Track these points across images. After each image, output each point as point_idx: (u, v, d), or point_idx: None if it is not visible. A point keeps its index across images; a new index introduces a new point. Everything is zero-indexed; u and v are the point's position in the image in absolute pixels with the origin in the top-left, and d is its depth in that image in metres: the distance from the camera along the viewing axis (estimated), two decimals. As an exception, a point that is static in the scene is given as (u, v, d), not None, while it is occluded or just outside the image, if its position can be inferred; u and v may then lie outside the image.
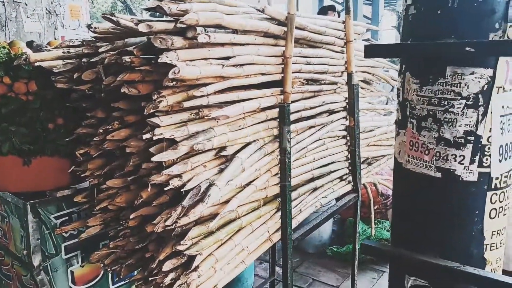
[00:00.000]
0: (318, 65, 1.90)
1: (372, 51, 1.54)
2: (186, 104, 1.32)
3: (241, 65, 1.45)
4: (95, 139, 1.48)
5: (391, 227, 1.76)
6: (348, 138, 2.19)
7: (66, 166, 1.70)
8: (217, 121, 1.42)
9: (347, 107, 2.17)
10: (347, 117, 2.18)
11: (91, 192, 1.64)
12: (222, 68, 1.35)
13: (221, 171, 1.44)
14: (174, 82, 1.24)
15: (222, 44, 1.39)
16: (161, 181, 1.33)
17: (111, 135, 1.42)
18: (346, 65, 2.11)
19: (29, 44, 1.83)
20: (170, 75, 1.19)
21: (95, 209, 1.57)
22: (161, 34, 1.24)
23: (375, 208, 3.07)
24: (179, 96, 1.32)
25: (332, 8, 4.57)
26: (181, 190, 1.31)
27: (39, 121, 1.60)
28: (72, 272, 1.83)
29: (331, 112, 2.10)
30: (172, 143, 1.34)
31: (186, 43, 1.26)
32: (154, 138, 1.27)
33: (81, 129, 1.56)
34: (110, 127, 1.42)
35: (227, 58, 1.40)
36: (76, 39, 1.66)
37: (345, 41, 2.07)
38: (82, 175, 1.60)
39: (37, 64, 1.57)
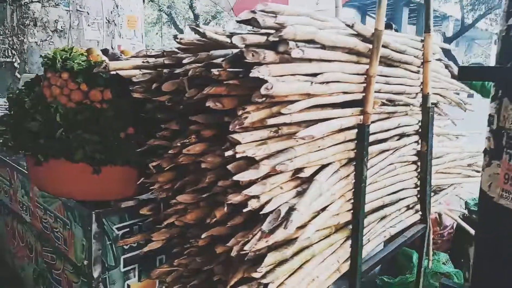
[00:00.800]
0: (396, 85, 1.79)
1: (467, 73, 1.42)
2: (269, 122, 1.25)
3: (327, 82, 1.36)
4: (169, 151, 1.43)
5: (473, 266, 1.60)
6: (419, 163, 2.05)
7: (133, 176, 1.67)
8: (297, 141, 1.34)
9: (420, 130, 2.04)
10: (419, 141, 2.05)
11: (157, 205, 1.59)
12: (310, 85, 1.27)
13: (298, 193, 1.36)
14: (264, 98, 1.17)
15: (310, 60, 1.31)
16: (238, 201, 1.25)
17: (187, 149, 1.37)
18: (421, 86, 1.98)
19: (104, 52, 1.83)
20: (263, 91, 1.12)
21: (163, 224, 1.51)
22: (252, 47, 1.17)
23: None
24: (263, 113, 1.24)
25: (389, 26, 4.42)
26: (260, 212, 1.23)
27: (112, 130, 1.57)
28: (128, 286, 1.78)
29: (402, 135, 1.97)
30: (249, 161, 1.27)
31: (277, 57, 1.19)
32: (237, 156, 1.20)
33: (153, 140, 1.52)
34: (187, 140, 1.36)
35: (314, 74, 1.32)
36: (152, 49, 1.64)
37: (422, 60, 1.95)
38: (151, 187, 1.55)
39: (114, 72, 1.55)
